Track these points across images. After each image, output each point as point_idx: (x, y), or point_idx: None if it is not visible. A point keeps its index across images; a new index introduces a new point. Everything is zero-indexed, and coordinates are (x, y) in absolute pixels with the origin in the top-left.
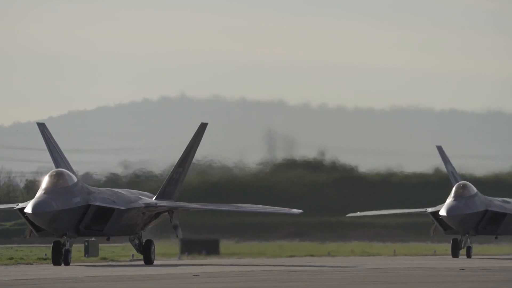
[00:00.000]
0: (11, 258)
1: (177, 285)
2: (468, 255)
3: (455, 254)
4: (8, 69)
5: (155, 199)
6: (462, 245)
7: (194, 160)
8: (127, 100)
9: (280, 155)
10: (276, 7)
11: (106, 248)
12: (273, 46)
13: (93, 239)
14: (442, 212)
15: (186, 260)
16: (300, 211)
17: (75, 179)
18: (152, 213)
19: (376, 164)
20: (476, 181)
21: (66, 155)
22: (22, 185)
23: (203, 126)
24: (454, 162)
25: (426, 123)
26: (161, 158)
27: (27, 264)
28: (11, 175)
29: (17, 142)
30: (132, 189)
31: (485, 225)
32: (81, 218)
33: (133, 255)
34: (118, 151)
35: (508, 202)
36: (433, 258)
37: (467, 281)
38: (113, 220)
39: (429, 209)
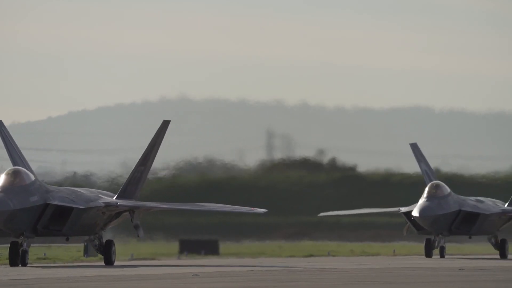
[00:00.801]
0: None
1: (177, 285)
2: (441, 255)
3: (428, 254)
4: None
5: (115, 198)
6: (436, 245)
7: (193, 160)
8: (127, 100)
9: (279, 155)
10: (276, 7)
11: None
12: (273, 46)
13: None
14: (415, 212)
15: (185, 260)
16: (264, 210)
17: (33, 178)
18: (112, 212)
19: (375, 164)
20: (476, 181)
21: (67, 155)
22: None
23: (165, 124)
24: (454, 162)
25: (426, 123)
26: (161, 158)
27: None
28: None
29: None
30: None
31: (458, 225)
32: (38, 217)
33: (132, 254)
34: (118, 151)
35: (482, 202)
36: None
37: (467, 281)
38: (72, 220)
39: (402, 209)
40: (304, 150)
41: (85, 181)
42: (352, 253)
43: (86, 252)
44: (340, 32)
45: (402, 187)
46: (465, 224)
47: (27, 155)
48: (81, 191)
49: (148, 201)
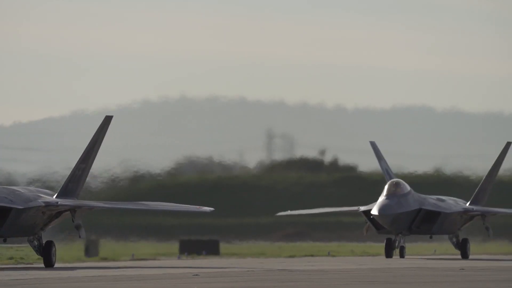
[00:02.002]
0: (11, 258)
1: (177, 285)
2: (401, 255)
3: (388, 254)
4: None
5: (56, 197)
6: (396, 245)
7: (193, 159)
8: (126, 100)
9: (279, 155)
10: (276, 7)
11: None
12: (273, 46)
13: (92, 238)
14: (374, 211)
15: (185, 260)
16: (212, 209)
17: None
18: (52, 212)
19: (376, 164)
20: (475, 181)
21: (67, 155)
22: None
23: (107, 120)
24: (454, 162)
25: (426, 123)
26: (161, 158)
27: (27, 264)
28: (10, 176)
29: (18, 143)
30: (133, 188)
31: (418, 224)
32: None
33: (133, 254)
34: (117, 151)
35: (443, 200)
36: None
37: (467, 281)
38: (10, 221)
39: (362, 208)
40: (304, 150)
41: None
42: (352, 253)
43: (86, 252)
44: (341, 32)
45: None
46: (425, 223)
47: (28, 155)
48: (20, 190)
49: (89, 200)
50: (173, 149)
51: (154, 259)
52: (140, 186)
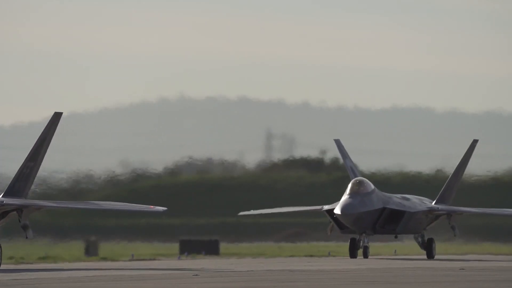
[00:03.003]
0: (11, 258)
1: (177, 285)
2: (365, 255)
3: (353, 254)
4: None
5: (2, 196)
6: (360, 245)
7: (193, 159)
8: (126, 100)
9: (279, 155)
10: (276, 6)
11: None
12: (273, 46)
13: (92, 238)
14: (337, 210)
15: (185, 260)
16: (164, 209)
17: None
18: None
19: (376, 164)
20: (475, 181)
21: (67, 155)
22: None
23: (57, 116)
24: (454, 162)
25: (426, 123)
26: (160, 158)
27: (27, 263)
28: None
29: (17, 143)
30: (133, 188)
31: (383, 224)
32: None
33: (132, 254)
34: (117, 151)
35: (408, 199)
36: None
37: (467, 281)
38: None
39: (325, 207)
40: (304, 150)
41: (85, 180)
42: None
43: (86, 252)
44: (341, 32)
45: (402, 187)
46: (390, 222)
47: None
48: None
49: (38, 200)
50: (173, 149)
51: (154, 259)
52: (140, 186)
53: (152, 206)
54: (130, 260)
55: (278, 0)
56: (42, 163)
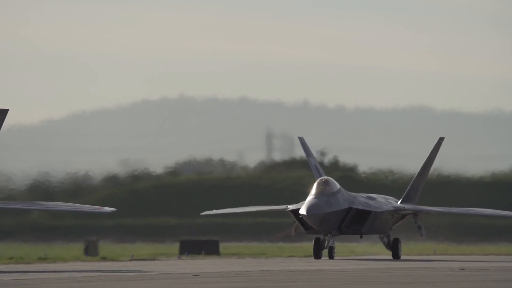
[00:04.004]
0: (11, 258)
1: (177, 285)
2: (330, 256)
3: (317, 255)
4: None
5: None
6: (325, 245)
7: (192, 159)
8: (126, 100)
9: (279, 155)
10: (276, 7)
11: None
12: (273, 46)
13: (93, 239)
14: (302, 210)
15: (185, 260)
16: (113, 209)
17: None
18: None
19: (376, 164)
20: (475, 181)
21: (67, 155)
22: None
23: (2, 112)
24: (454, 161)
25: (426, 123)
26: (160, 158)
27: (27, 263)
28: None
29: (21, 143)
30: (133, 188)
31: (348, 224)
32: None
33: (132, 255)
34: (117, 151)
35: (374, 199)
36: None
37: (467, 281)
38: None
39: (290, 207)
40: None
41: (85, 180)
42: (353, 253)
43: (86, 251)
44: (341, 32)
45: (403, 187)
46: (355, 222)
47: (28, 155)
48: None
49: None
50: (173, 149)
51: (154, 259)
52: (140, 185)
53: (100, 207)
54: (130, 260)
55: (278, 0)
56: (42, 163)
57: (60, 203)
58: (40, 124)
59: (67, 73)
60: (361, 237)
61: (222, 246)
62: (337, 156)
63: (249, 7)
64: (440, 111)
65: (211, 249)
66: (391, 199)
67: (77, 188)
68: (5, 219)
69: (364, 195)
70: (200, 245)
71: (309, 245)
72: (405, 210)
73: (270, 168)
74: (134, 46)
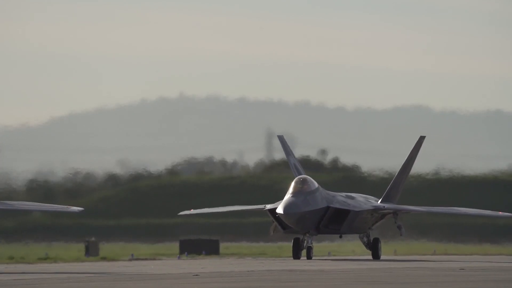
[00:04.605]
0: (11, 258)
1: (177, 285)
2: (309, 256)
3: (296, 255)
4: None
5: None
6: (304, 245)
7: (192, 159)
8: (126, 100)
9: (279, 155)
10: (276, 7)
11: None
12: (273, 46)
13: (92, 239)
14: (279, 210)
15: (185, 260)
16: (81, 209)
17: None
18: None
19: (376, 164)
20: (475, 180)
21: (67, 154)
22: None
23: None
24: (454, 161)
25: (426, 123)
26: (160, 158)
27: (27, 263)
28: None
29: (21, 143)
30: (133, 188)
31: (327, 224)
32: None
33: (132, 254)
34: (117, 151)
35: (353, 198)
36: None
37: (467, 281)
38: None
39: (268, 206)
40: (304, 150)
41: (85, 180)
42: (353, 253)
43: (87, 252)
44: (341, 32)
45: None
46: (334, 222)
47: (27, 155)
48: None
49: None
50: (173, 148)
51: (154, 259)
52: (140, 185)
53: (67, 206)
54: (130, 260)
55: (278, 0)
56: (42, 163)
57: (27, 203)
58: (40, 124)
59: (67, 73)
60: (340, 236)
61: (222, 246)
62: (337, 156)
63: (249, 7)
64: (440, 111)
65: (211, 249)
66: (371, 199)
67: (77, 188)
68: (5, 219)
69: (343, 194)
70: (200, 245)
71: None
72: (384, 209)
73: (270, 168)
74: (134, 46)
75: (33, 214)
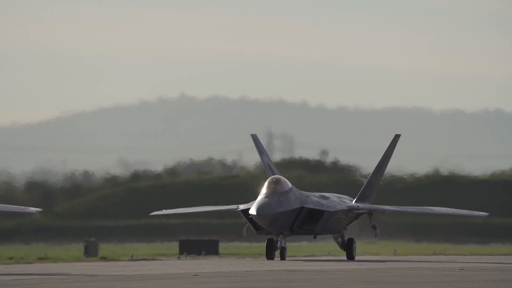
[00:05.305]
0: (11, 258)
1: (177, 285)
2: (282, 257)
3: (270, 255)
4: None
5: None
6: (278, 246)
7: (192, 159)
8: (126, 100)
9: (279, 155)
10: (276, 7)
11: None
12: (274, 46)
13: (92, 239)
14: (252, 210)
15: (185, 260)
16: (39, 209)
17: None
18: None
19: (376, 164)
20: (475, 180)
21: (67, 154)
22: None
23: None
24: (454, 161)
25: (426, 123)
26: (160, 158)
27: (27, 263)
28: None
29: (17, 142)
30: (133, 187)
31: (300, 224)
32: None
33: (132, 255)
34: (117, 151)
35: (327, 198)
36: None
37: (467, 281)
38: None
39: (241, 206)
40: (304, 150)
41: (85, 180)
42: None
43: (86, 252)
44: (342, 32)
45: (403, 188)
46: (308, 222)
47: (27, 155)
48: None
49: None
50: (173, 148)
51: (154, 259)
52: (140, 186)
53: (24, 207)
54: (130, 260)
55: (278, 0)
56: (42, 163)
57: None
58: (40, 124)
59: (67, 73)
60: (314, 237)
61: (222, 246)
62: (337, 156)
63: (249, 7)
64: (440, 111)
65: (210, 249)
66: (345, 198)
67: (77, 188)
68: (5, 219)
69: (317, 194)
70: (200, 245)
71: (306, 244)
72: (359, 209)
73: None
74: (135, 46)
75: (33, 214)
